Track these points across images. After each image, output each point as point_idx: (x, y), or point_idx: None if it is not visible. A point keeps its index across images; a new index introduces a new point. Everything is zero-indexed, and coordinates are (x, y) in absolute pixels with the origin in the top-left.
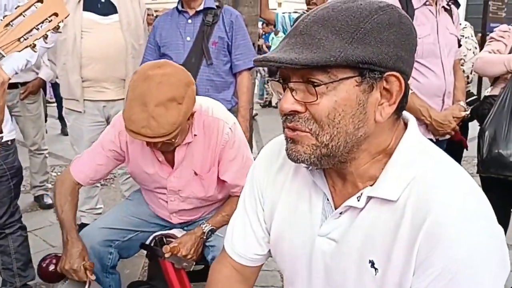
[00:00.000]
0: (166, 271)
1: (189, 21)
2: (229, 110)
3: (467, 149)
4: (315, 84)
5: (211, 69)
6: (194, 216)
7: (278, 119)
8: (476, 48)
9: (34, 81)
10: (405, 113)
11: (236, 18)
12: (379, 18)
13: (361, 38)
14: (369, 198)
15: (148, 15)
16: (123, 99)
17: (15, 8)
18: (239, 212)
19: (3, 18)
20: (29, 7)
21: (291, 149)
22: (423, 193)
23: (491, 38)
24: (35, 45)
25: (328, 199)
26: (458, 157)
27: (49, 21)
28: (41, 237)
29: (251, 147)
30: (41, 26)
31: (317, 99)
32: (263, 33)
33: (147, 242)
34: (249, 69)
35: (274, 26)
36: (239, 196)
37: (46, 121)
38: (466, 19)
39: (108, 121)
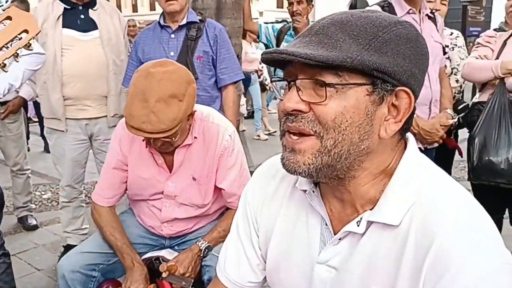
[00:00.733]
0: None
1: (172, 36)
2: None
3: (461, 156)
4: (327, 83)
5: (197, 84)
6: (186, 227)
7: None
8: (467, 57)
9: (15, 100)
10: (407, 134)
11: (220, 31)
12: (398, 31)
13: (379, 47)
14: (370, 223)
15: (130, 26)
16: (106, 116)
17: None
18: (232, 237)
19: None
20: None
21: (289, 159)
22: (426, 219)
23: (478, 43)
24: (5, 65)
25: (326, 224)
26: (448, 163)
27: (19, 39)
28: (26, 260)
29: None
30: (11, 45)
31: (325, 99)
32: None
33: None
34: (234, 82)
35: (258, 37)
36: (235, 209)
37: (28, 138)
38: (445, 24)
39: (91, 139)
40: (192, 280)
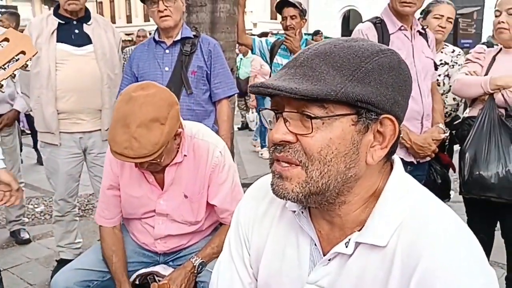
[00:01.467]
0: None
1: (167, 51)
2: None
3: (454, 172)
4: (312, 117)
5: (191, 98)
6: (180, 244)
7: None
8: None
9: (9, 113)
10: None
11: (214, 47)
12: (380, 60)
13: (362, 77)
14: (358, 243)
15: (140, 36)
16: (100, 130)
17: None
18: (224, 256)
19: None
20: None
21: (278, 185)
22: (413, 240)
23: (467, 59)
24: (1, 85)
25: (315, 244)
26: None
27: (16, 60)
28: (18, 275)
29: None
30: (8, 66)
31: (311, 132)
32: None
33: (130, 281)
34: (229, 97)
35: (252, 51)
36: (228, 225)
37: (21, 150)
38: None
39: (85, 152)
40: None
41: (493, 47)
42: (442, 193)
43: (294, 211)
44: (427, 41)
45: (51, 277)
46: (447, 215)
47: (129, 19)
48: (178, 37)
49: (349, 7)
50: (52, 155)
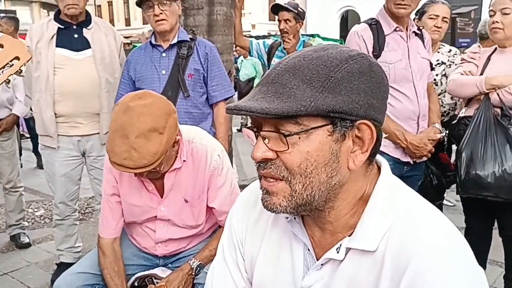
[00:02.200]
0: None
1: (164, 54)
2: None
3: (452, 169)
4: (286, 135)
5: (188, 101)
6: (180, 246)
7: None
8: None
9: (8, 118)
10: (377, 157)
11: (210, 49)
12: (349, 67)
13: (332, 87)
14: (348, 249)
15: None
16: (98, 133)
17: None
18: (218, 260)
19: None
20: None
21: (267, 200)
22: (402, 243)
23: (463, 59)
24: None
25: (308, 249)
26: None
27: (11, 65)
28: (18, 279)
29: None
30: (2, 72)
31: (288, 148)
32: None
33: (129, 284)
34: (226, 99)
35: (249, 53)
36: None
37: (21, 154)
38: None
39: (84, 155)
40: None
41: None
42: (437, 194)
43: (287, 218)
44: (423, 42)
45: (51, 280)
46: (436, 218)
47: (127, 22)
48: (175, 40)
49: (347, 7)
50: (50, 157)
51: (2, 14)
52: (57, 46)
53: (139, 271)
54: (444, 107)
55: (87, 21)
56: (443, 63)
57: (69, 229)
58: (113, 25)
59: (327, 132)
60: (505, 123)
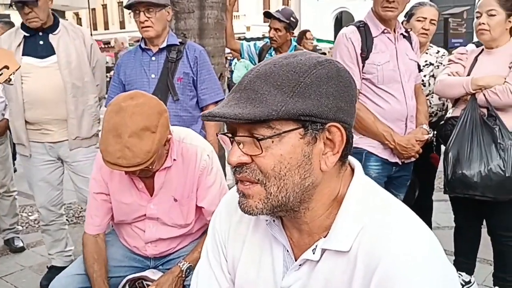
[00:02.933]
0: None
1: (153, 58)
2: None
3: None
4: (259, 139)
5: (178, 104)
6: (170, 247)
7: None
8: None
9: (0, 123)
10: (350, 159)
11: (200, 53)
12: (318, 73)
13: (302, 92)
14: (324, 250)
15: None
16: (68, 140)
17: None
18: (202, 263)
19: None
20: None
21: (243, 203)
22: (373, 243)
23: (450, 60)
24: None
25: (288, 251)
26: (431, 176)
27: (0, 74)
28: (12, 283)
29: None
30: None
31: (262, 152)
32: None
33: (120, 287)
34: (216, 102)
35: (241, 55)
36: None
37: (15, 159)
38: None
39: (59, 158)
40: None
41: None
42: (407, 199)
43: (267, 220)
44: (411, 44)
45: (40, 283)
46: (407, 219)
47: (122, 25)
48: (164, 44)
49: (341, 9)
50: (26, 164)
51: None
52: (23, 54)
53: (130, 273)
54: (432, 107)
55: (54, 25)
56: (431, 64)
57: (56, 234)
58: (108, 28)
59: (298, 135)
60: (491, 123)
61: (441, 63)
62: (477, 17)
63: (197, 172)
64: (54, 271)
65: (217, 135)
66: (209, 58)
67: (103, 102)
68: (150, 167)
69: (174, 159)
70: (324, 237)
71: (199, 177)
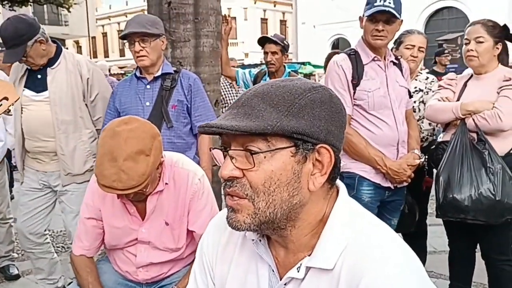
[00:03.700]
0: None
1: (148, 86)
2: None
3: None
4: (253, 152)
5: (172, 131)
6: (161, 272)
7: None
8: None
9: None
10: (337, 182)
11: (194, 81)
12: (312, 96)
13: (296, 112)
14: (308, 268)
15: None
16: (59, 171)
17: None
18: (190, 286)
19: None
20: None
21: (231, 218)
22: (356, 261)
23: (440, 86)
24: None
25: (273, 270)
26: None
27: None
28: None
29: (220, 200)
30: None
31: (254, 166)
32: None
33: None
34: None
35: (236, 82)
36: None
37: (12, 186)
38: (423, 62)
39: (48, 187)
40: None
41: None
42: (408, 222)
43: (253, 240)
44: (401, 71)
45: None
46: (389, 238)
47: (122, 53)
48: (159, 73)
49: (338, 35)
50: (18, 190)
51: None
52: (25, 86)
53: None
54: (423, 132)
55: (54, 58)
56: (420, 90)
57: (37, 262)
58: (108, 56)
59: (290, 153)
60: (480, 147)
61: (431, 89)
62: (465, 44)
63: (188, 196)
64: None
65: (210, 150)
66: (204, 85)
67: None
68: (144, 190)
69: (166, 183)
70: (309, 255)
71: (190, 201)
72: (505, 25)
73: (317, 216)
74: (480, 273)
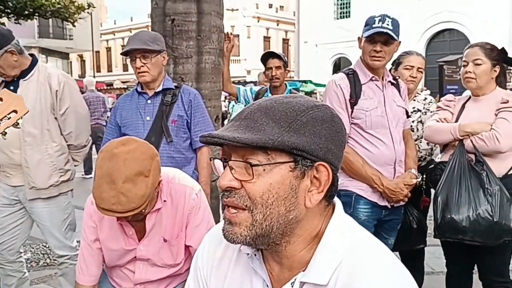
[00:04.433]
0: None
1: (149, 101)
2: None
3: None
4: (253, 164)
5: (171, 146)
6: None
7: None
8: None
9: None
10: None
11: (194, 97)
12: (314, 114)
13: (297, 129)
14: (302, 283)
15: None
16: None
17: None
18: None
19: None
20: None
21: (228, 230)
22: (350, 276)
23: (438, 107)
24: None
25: (267, 285)
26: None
27: (8, 118)
28: None
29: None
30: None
31: (253, 178)
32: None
33: None
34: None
35: (237, 99)
36: None
37: None
38: (424, 83)
39: (19, 202)
40: None
41: None
42: (418, 238)
43: (248, 254)
44: (399, 91)
45: None
46: (383, 255)
47: (125, 68)
48: (160, 88)
49: (339, 55)
50: None
51: None
52: None
53: None
54: (421, 152)
55: (28, 70)
56: (419, 110)
57: (5, 279)
58: (111, 71)
59: (289, 168)
60: (478, 168)
61: (429, 109)
62: (463, 66)
63: (186, 212)
64: None
65: (211, 160)
66: (205, 101)
67: (85, 150)
68: (143, 210)
69: (164, 200)
70: (303, 271)
71: (187, 216)
72: (503, 48)
73: (312, 232)
74: None
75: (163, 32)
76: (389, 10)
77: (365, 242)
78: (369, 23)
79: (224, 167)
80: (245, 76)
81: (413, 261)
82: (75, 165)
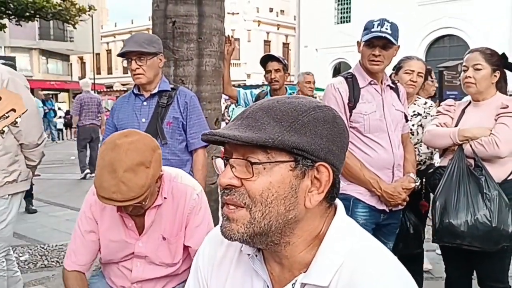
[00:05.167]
0: None
1: (145, 103)
2: None
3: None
4: (253, 162)
5: (166, 148)
6: None
7: None
8: None
9: None
10: (336, 201)
11: (190, 99)
12: (316, 114)
13: (298, 128)
14: (303, 285)
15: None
16: None
17: None
18: None
19: None
20: None
21: (226, 226)
22: (352, 278)
23: (438, 112)
24: None
25: (268, 286)
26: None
27: (6, 117)
28: None
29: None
30: None
31: (253, 176)
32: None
33: None
34: (204, 146)
35: (237, 102)
36: None
37: None
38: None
39: None
40: None
41: None
42: (414, 243)
43: (249, 254)
44: (398, 95)
45: None
46: (385, 257)
47: (125, 70)
48: (156, 90)
49: (339, 59)
50: None
51: (2, 61)
52: None
53: None
54: (421, 156)
55: None
56: (419, 114)
57: None
58: (111, 73)
59: (289, 167)
60: (477, 173)
61: (429, 114)
62: (463, 71)
63: (186, 211)
64: None
65: (212, 159)
66: (205, 104)
67: (40, 149)
68: (143, 203)
69: (165, 197)
70: (304, 272)
71: (188, 216)
72: (503, 54)
73: (312, 233)
74: None
75: (164, 34)
76: (390, 16)
77: (367, 245)
78: (368, 27)
79: (225, 165)
80: (245, 80)
81: (412, 266)
82: (31, 165)
